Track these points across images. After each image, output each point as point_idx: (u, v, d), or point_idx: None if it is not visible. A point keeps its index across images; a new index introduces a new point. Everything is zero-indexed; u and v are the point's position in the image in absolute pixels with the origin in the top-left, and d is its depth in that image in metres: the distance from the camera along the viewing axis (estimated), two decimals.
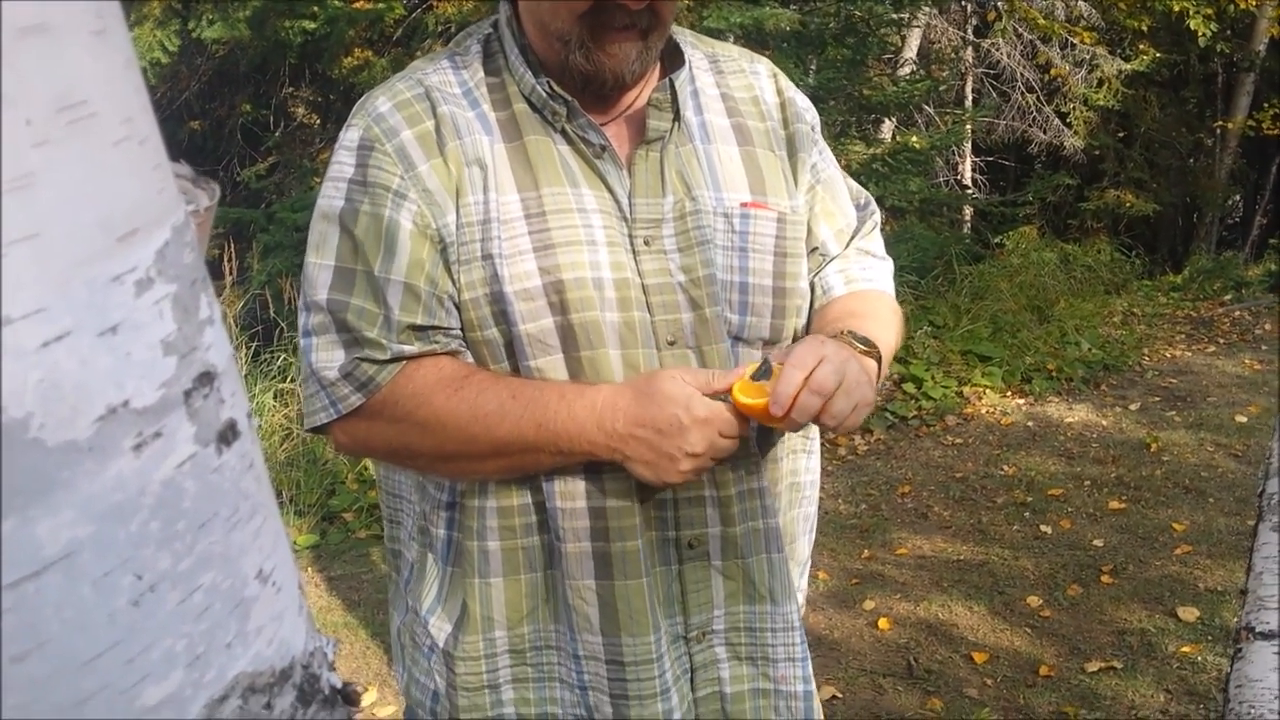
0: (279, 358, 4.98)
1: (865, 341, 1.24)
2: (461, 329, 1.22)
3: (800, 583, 1.41)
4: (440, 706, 1.30)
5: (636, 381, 1.17)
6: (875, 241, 1.46)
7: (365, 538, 4.28)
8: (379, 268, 1.18)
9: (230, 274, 5.40)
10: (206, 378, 0.42)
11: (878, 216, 1.47)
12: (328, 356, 1.20)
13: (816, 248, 1.37)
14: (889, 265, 1.45)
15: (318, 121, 8.05)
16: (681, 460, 1.13)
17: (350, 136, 1.22)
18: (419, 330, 1.19)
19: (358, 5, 6.46)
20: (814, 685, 1.36)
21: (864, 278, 1.39)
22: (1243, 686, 1.36)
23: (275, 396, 4.84)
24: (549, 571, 1.25)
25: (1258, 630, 1.39)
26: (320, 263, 1.20)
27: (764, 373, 1.14)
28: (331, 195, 1.21)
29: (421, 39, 6.64)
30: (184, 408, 0.41)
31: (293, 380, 4.93)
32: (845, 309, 1.33)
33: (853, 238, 1.42)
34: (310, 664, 0.48)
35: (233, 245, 5.53)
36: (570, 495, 1.21)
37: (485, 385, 1.18)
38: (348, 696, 0.52)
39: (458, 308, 1.21)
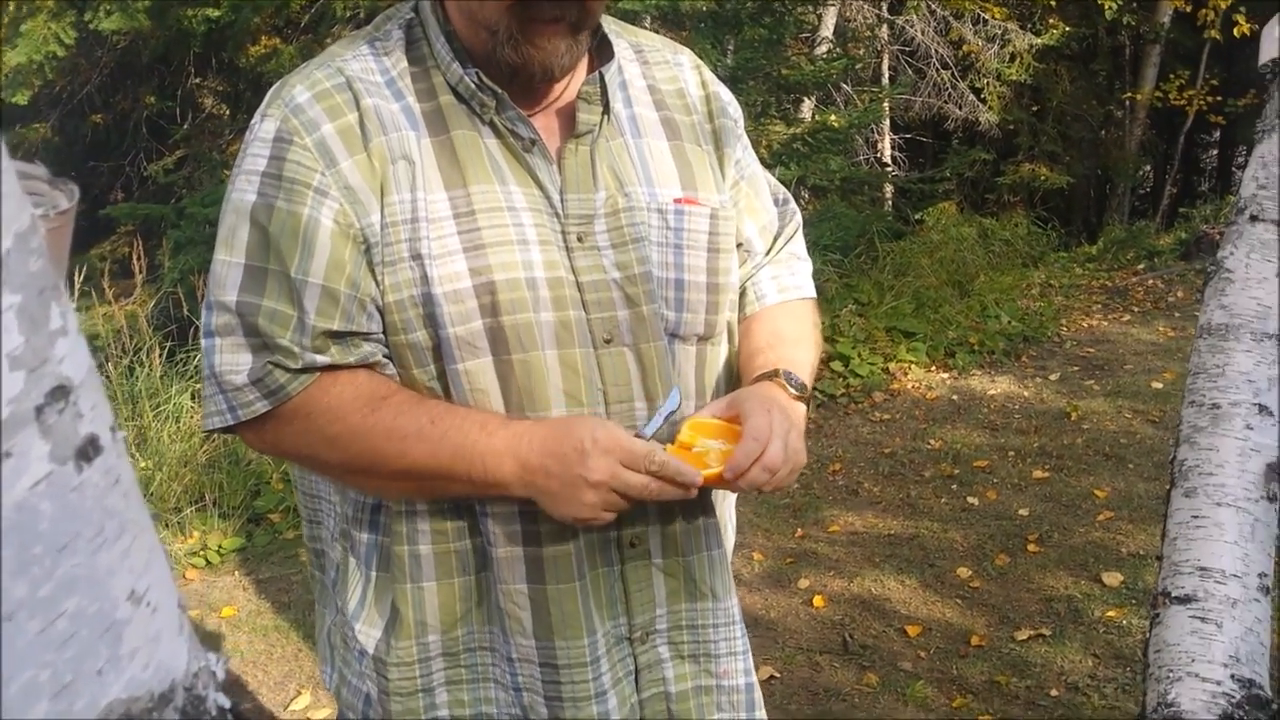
0: (195, 357, 4.85)
1: (799, 386, 1.25)
2: (384, 333, 1.18)
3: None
4: (373, 710, 1.27)
5: (563, 419, 1.15)
6: (799, 243, 1.46)
7: (293, 538, 4.19)
8: (295, 268, 1.13)
9: (140, 272, 5.25)
10: (60, 392, 0.39)
11: (798, 217, 1.47)
12: (233, 360, 1.15)
13: (741, 244, 1.36)
14: (810, 266, 1.47)
15: (227, 112, 7.86)
16: (584, 490, 1.10)
17: (266, 128, 1.17)
18: (335, 336, 1.14)
19: None
20: (754, 677, 1.36)
21: (794, 285, 1.40)
22: (1161, 651, 1.39)
23: (193, 397, 4.71)
24: (481, 574, 1.23)
25: (1174, 595, 1.42)
26: (230, 260, 1.15)
27: (672, 403, 1.13)
28: (244, 189, 1.16)
29: (330, 24, 6.50)
30: (36, 424, 0.38)
31: None
32: (775, 332, 1.33)
33: (777, 237, 1.41)
34: (194, 685, 0.45)
35: (141, 243, 5.38)
36: (502, 499, 1.18)
37: (404, 407, 1.15)
38: (238, 716, 0.50)
39: (380, 311, 1.17)
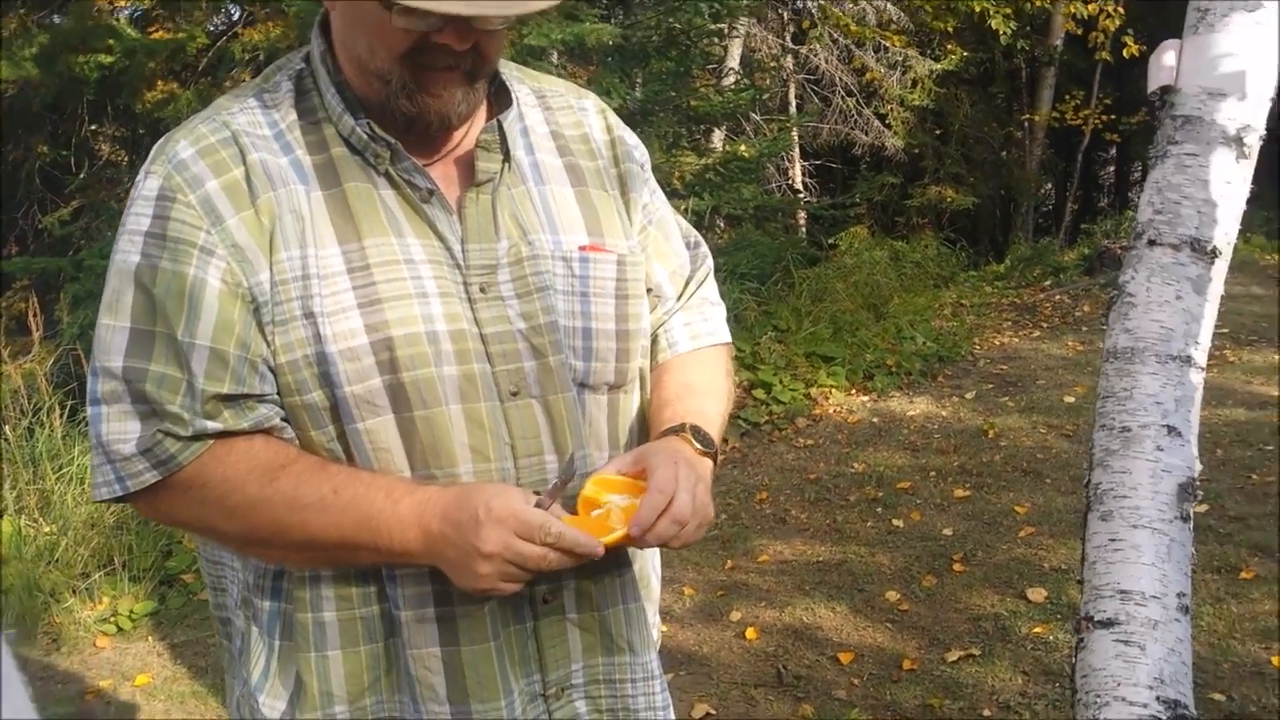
0: None
1: (705, 441, 1.23)
2: (279, 394, 1.13)
3: (654, 619, 1.38)
4: None
5: (468, 484, 1.11)
6: (711, 286, 1.44)
7: (208, 600, 4.05)
8: (182, 331, 1.08)
9: (38, 329, 5.05)
10: None
11: (710, 261, 1.45)
12: (120, 428, 1.10)
13: (651, 289, 1.33)
14: (723, 310, 1.45)
15: (125, 159, 7.64)
16: (478, 561, 1.06)
17: (149, 186, 1.12)
18: (227, 400, 1.10)
19: (156, 35, 6.16)
20: None
21: (706, 331, 1.38)
22: (1088, 676, 1.40)
23: None
24: (389, 640, 1.19)
25: (1096, 619, 1.43)
26: (114, 325, 1.10)
27: (569, 470, 1.10)
28: (127, 250, 1.11)
29: (229, 68, 6.38)
30: None
31: None
32: (684, 383, 1.31)
33: (688, 282, 1.39)
34: None
35: (38, 298, 5.19)
36: (410, 564, 1.14)
37: (305, 477, 1.11)
38: None
39: (273, 371, 1.12)
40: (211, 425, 1.09)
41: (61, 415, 4.61)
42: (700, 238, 1.46)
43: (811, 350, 6.42)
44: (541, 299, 1.18)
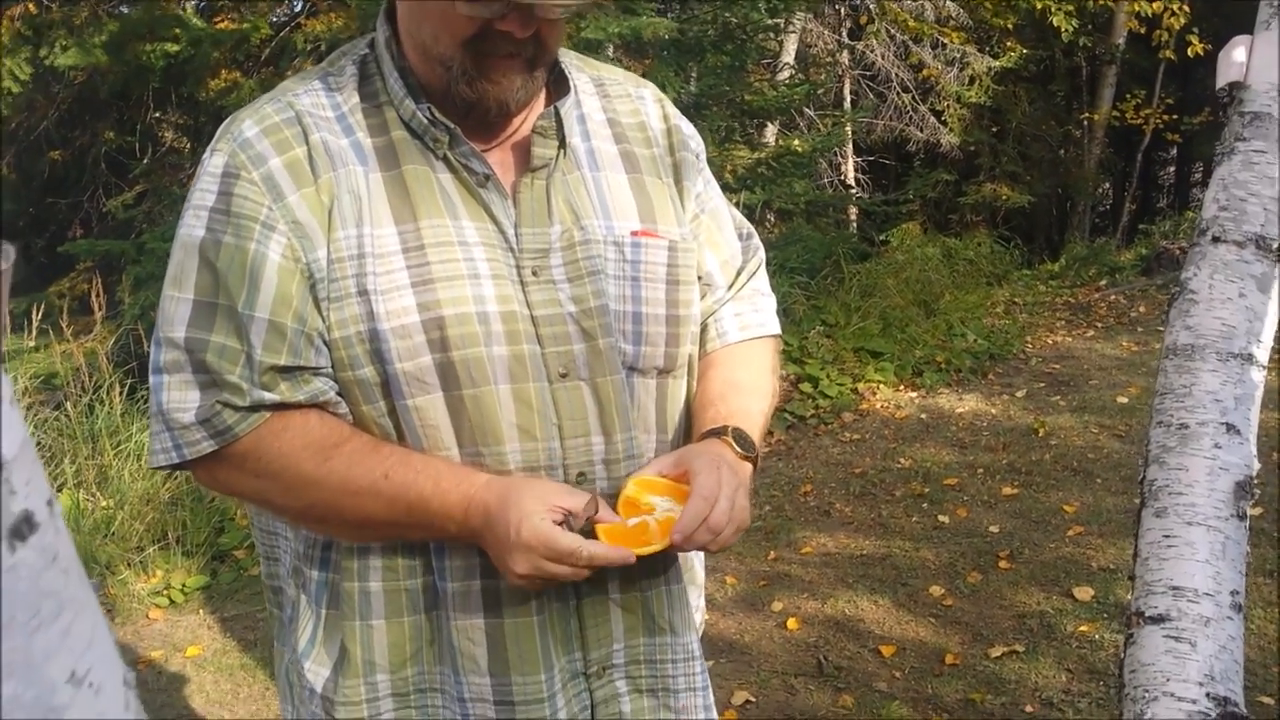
0: None
1: (747, 445, 1.24)
2: (333, 368, 1.16)
3: (698, 603, 1.40)
4: None
5: (512, 482, 1.14)
6: (763, 278, 1.45)
7: (258, 574, 4.10)
8: (242, 304, 1.11)
9: (100, 309, 5.18)
10: None
11: (762, 252, 1.46)
12: (181, 397, 1.13)
13: (701, 277, 1.34)
14: (774, 301, 1.46)
15: (188, 146, 7.79)
16: (511, 576, 1.12)
17: (214, 163, 1.16)
18: (283, 372, 1.13)
19: (221, 25, 6.27)
20: (714, 712, 1.35)
21: (756, 322, 1.39)
22: (1136, 671, 1.39)
23: None
24: (432, 612, 1.21)
25: (1147, 615, 1.42)
26: (178, 296, 1.14)
27: (592, 507, 1.12)
28: (192, 225, 1.14)
29: (290, 58, 6.47)
30: None
31: None
32: (730, 381, 1.32)
33: (739, 272, 1.40)
34: None
35: (101, 279, 5.31)
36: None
37: (357, 458, 1.14)
38: None
39: (328, 346, 1.15)
40: (268, 396, 1.12)
41: (121, 393, 4.72)
42: (752, 229, 1.47)
43: (860, 345, 6.39)
44: (593, 283, 1.20)
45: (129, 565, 4.07)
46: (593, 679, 1.25)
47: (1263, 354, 1.53)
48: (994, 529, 4.15)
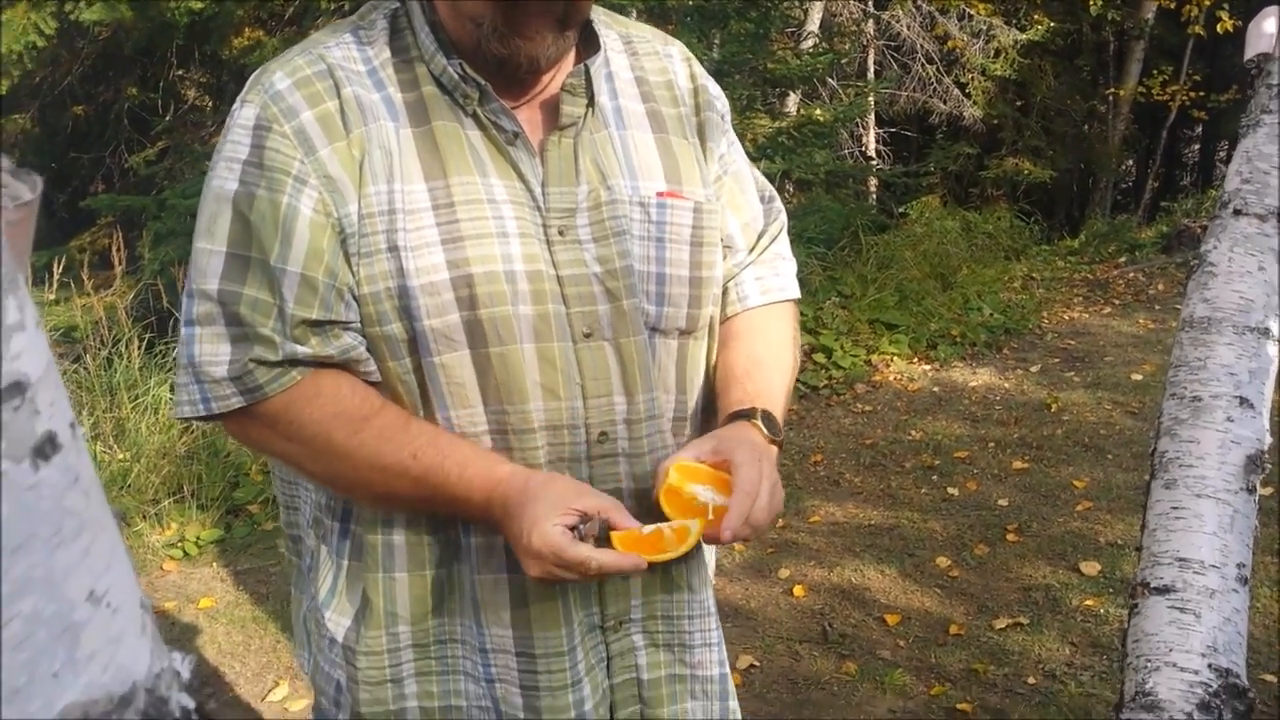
0: (174, 349, 4.81)
1: (774, 429, 1.25)
2: (360, 324, 1.17)
3: (710, 561, 1.41)
4: (343, 698, 1.27)
5: (531, 480, 1.14)
6: (784, 242, 1.45)
7: (272, 529, 4.17)
8: (275, 257, 1.12)
9: (120, 264, 5.20)
10: (17, 388, 0.38)
11: (784, 216, 1.46)
12: (213, 350, 1.14)
13: (723, 239, 1.34)
14: (794, 265, 1.46)
15: (210, 104, 7.79)
16: (529, 574, 1.13)
17: (245, 114, 1.15)
18: (315, 326, 1.13)
19: None
20: (728, 668, 1.37)
21: (777, 286, 1.39)
22: (1139, 641, 1.40)
23: (172, 389, 4.67)
24: (454, 566, 1.23)
25: (1152, 586, 1.42)
26: (211, 249, 1.14)
27: (595, 525, 1.13)
28: (225, 177, 1.14)
29: (314, 18, 6.44)
30: None
31: None
32: (752, 357, 1.32)
33: (761, 236, 1.40)
34: (156, 687, 0.44)
35: (122, 234, 5.33)
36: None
37: (387, 433, 1.15)
38: (204, 717, 0.49)
39: (357, 301, 1.16)
40: (300, 350, 1.13)
41: (140, 347, 4.76)
42: (774, 193, 1.46)
43: (875, 317, 6.37)
44: (618, 243, 1.20)
45: (144, 518, 4.11)
46: (609, 633, 1.26)
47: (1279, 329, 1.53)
48: (1003, 502, 4.15)
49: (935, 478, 4.46)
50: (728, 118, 1.38)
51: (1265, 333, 1.51)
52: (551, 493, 1.12)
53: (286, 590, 3.73)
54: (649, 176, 1.24)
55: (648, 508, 1.24)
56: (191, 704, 0.47)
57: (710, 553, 1.42)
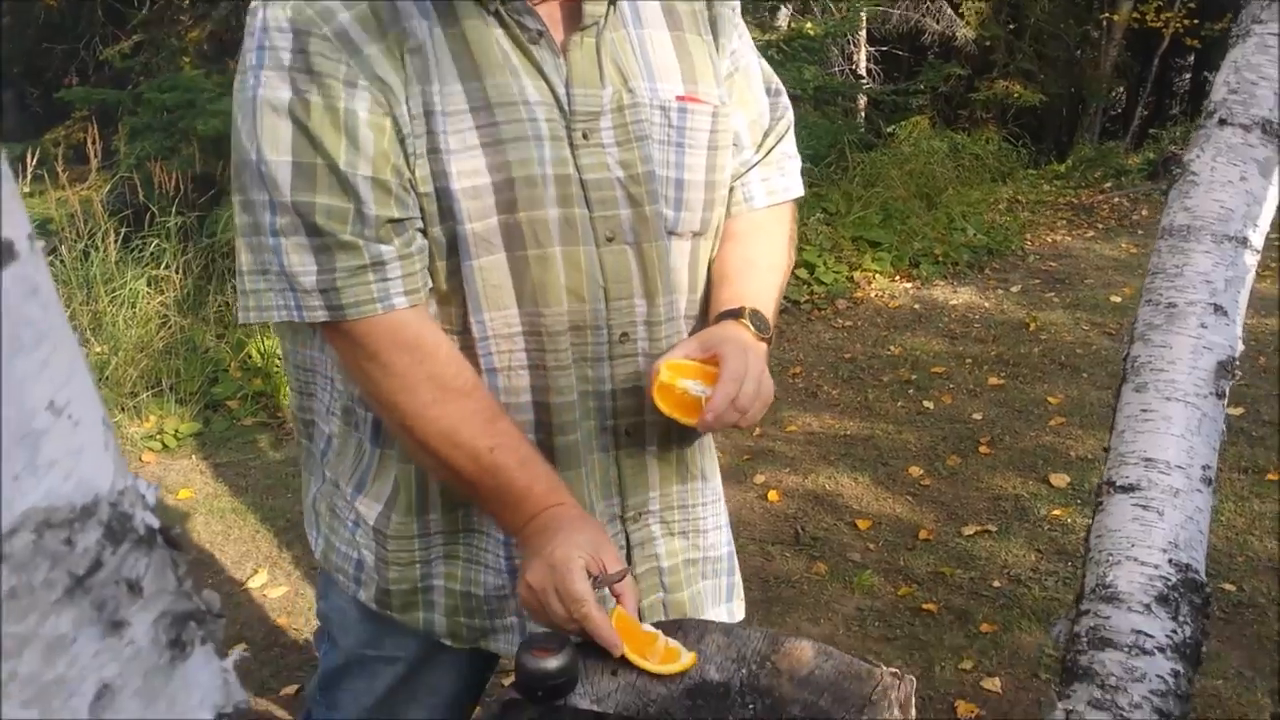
0: (151, 243, 4.77)
1: (762, 326, 1.26)
2: None
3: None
4: (365, 575, 1.30)
5: (585, 516, 1.17)
6: (791, 140, 1.44)
7: (251, 425, 4.18)
8: (344, 161, 1.09)
9: (95, 157, 5.11)
10: None
11: (790, 112, 1.44)
12: (299, 260, 1.11)
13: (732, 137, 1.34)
14: (799, 162, 1.45)
15: None
16: (521, 582, 1.15)
17: (276, 17, 1.10)
18: (396, 224, 1.12)
19: None
20: (733, 545, 1.44)
21: (782, 187, 1.40)
22: (1102, 537, 1.42)
23: (150, 283, 4.65)
24: None
25: (1118, 484, 1.45)
26: (277, 159, 1.10)
27: (617, 576, 1.14)
28: (275, 86, 1.09)
29: None
30: None
31: (166, 266, 4.73)
32: (747, 259, 1.33)
33: (768, 134, 1.39)
34: (120, 502, 0.44)
35: (97, 128, 5.22)
36: (514, 391, 1.21)
37: (472, 418, 1.15)
38: (171, 539, 0.49)
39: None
40: (385, 249, 1.11)
41: (116, 241, 4.70)
42: (781, 86, 1.45)
43: (859, 235, 6.35)
44: (640, 148, 1.20)
45: (123, 409, 4.11)
46: (629, 523, 1.30)
47: (1258, 239, 1.53)
48: (977, 416, 4.20)
49: (912, 392, 4.50)
50: (738, 10, 1.36)
51: (1243, 242, 1.52)
52: (596, 537, 1.14)
53: (265, 484, 3.77)
54: (667, 78, 1.23)
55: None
56: (157, 523, 0.47)
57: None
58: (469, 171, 1.12)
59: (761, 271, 1.33)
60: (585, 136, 1.17)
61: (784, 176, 1.41)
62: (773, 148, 1.40)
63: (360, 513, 1.28)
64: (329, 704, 1.43)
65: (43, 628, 0.41)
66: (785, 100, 1.43)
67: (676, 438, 1.30)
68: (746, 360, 1.18)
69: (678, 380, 1.20)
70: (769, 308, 1.30)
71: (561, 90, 1.16)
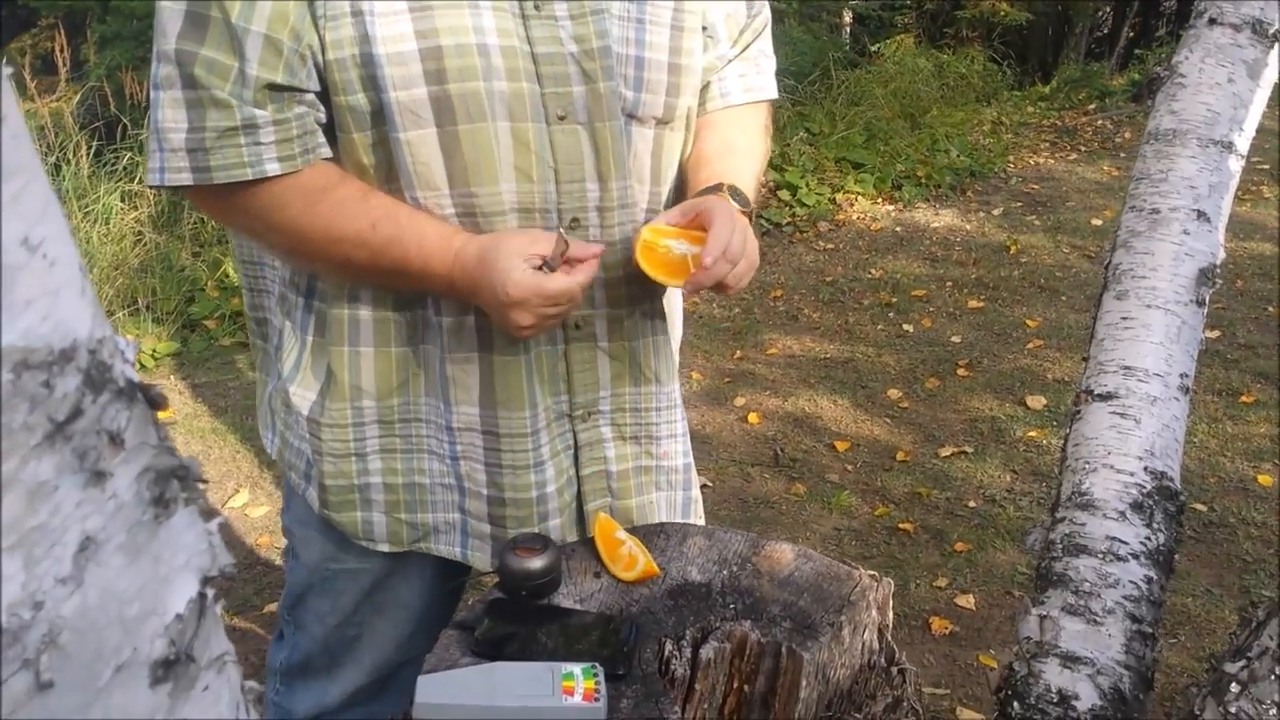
0: (124, 156, 4.67)
1: (742, 200, 1.23)
2: (326, 93, 1.12)
3: (676, 355, 1.42)
4: (314, 471, 1.28)
5: (484, 246, 1.12)
6: (768, 39, 1.41)
7: (229, 345, 4.15)
8: (237, 15, 1.05)
9: (64, 67, 4.99)
10: None
11: (767, 11, 1.41)
12: (173, 116, 1.08)
13: (706, 28, 1.30)
14: (774, 63, 1.43)
15: None
16: (515, 331, 1.14)
17: None
18: (275, 90, 1.08)
19: None
20: (692, 459, 1.39)
21: (759, 85, 1.37)
22: (1079, 445, 1.44)
23: (123, 198, 4.57)
24: (421, 346, 1.22)
25: (1096, 393, 1.46)
26: (171, 6, 1.06)
27: (561, 247, 1.12)
28: None
29: None
30: None
31: (140, 181, 4.65)
32: (726, 142, 1.31)
33: (745, 30, 1.36)
34: (99, 350, 0.43)
35: (65, 35, 5.09)
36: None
37: (345, 207, 1.12)
38: (151, 398, 0.48)
39: (319, 69, 1.10)
40: (259, 114, 1.08)
41: (87, 154, 4.61)
42: None
43: (842, 156, 6.30)
44: (596, 22, 1.15)
45: None
46: (577, 421, 1.27)
47: (1243, 143, 1.52)
48: (956, 339, 4.22)
49: (892, 315, 4.51)
50: None
51: (1229, 147, 1.51)
52: (507, 248, 1.11)
53: (245, 404, 3.75)
54: None
55: (618, 296, 1.24)
56: (136, 378, 0.46)
57: (677, 342, 1.43)
58: (393, 37, 1.08)
59: (739, 155, 1.30)
60: (536, 8, 1.13)
61: (760, 75, 1.38)
62: (749, 44, 1.37)
63: (296, 404, 1.26)
64: (296, 623, 1.41)
65: (24, 472, 0.40)
66: (763, 1, 1.40)
67: (629, 333, 1.27)
68: (733, 216, 1.16)
69: (661, 241, 1.17)
70: (748, 188, 1.27)
71: None
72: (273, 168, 1.09)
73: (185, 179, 1.09)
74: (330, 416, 1.24)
